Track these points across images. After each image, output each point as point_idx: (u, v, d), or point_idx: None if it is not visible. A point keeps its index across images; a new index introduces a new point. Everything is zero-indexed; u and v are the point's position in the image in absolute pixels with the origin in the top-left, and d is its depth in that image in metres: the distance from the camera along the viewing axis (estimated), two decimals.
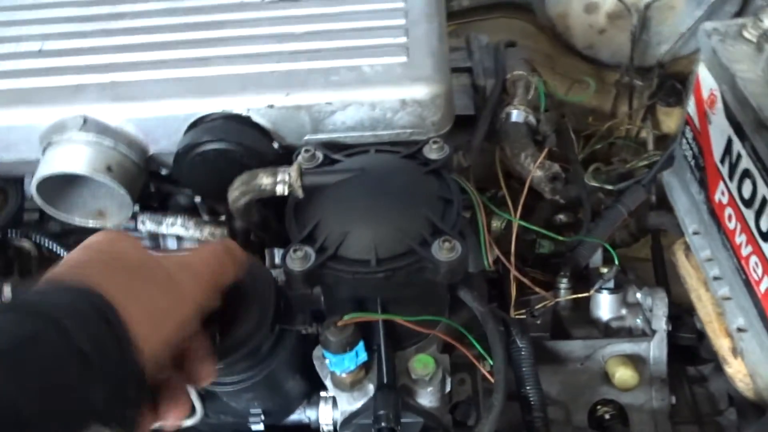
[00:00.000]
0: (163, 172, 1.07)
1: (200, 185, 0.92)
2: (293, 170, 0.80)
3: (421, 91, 0.88)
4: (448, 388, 0.89)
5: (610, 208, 1.29)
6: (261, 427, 1.01)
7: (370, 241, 0.76)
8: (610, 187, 1.27)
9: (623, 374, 1.26)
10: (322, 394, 1.00)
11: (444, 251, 0.74)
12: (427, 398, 0.88)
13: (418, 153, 0.88)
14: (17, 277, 0.94)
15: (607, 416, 1.26)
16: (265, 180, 0.81)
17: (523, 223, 1.01)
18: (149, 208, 1.12)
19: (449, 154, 0.85)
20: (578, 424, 1.28)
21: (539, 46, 1.56)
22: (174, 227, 1.10)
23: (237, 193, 0.83)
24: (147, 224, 1.10)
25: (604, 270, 1.33)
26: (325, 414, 0.99)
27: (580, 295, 1.29)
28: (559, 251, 1.36)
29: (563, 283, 1.30)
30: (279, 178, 0.81)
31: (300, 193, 0.81)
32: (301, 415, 1.03)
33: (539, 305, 1.22)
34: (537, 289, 1.08)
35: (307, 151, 0.87)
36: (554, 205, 1.18)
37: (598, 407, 1.29)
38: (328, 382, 0.92)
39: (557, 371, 1.32)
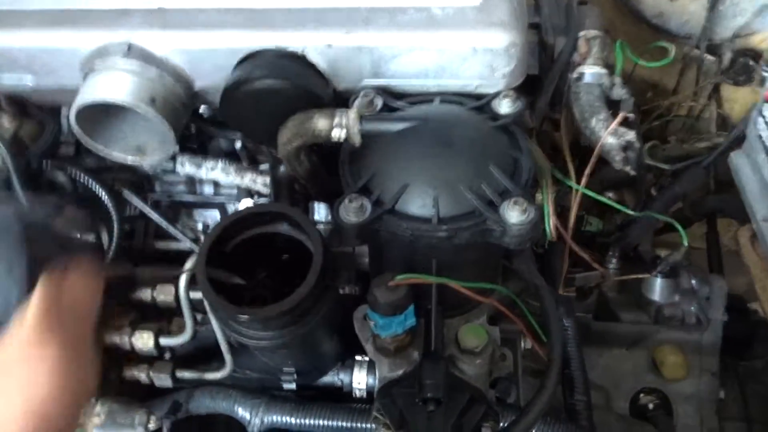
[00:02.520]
0: (203, 111, 1.02)
1: (247, 125, 0.86)
2: (352, 114, 0.74)
3: (495, 39, 0.80)
4: None
5: (665, 188, 1.21)
6: (293, 386, 0.97)
7: (431, 196, 0.69)
8: (666, 167, 1.19)
9: (673, 363, 1.20)
10: (358, 357, 0.96)
11: (515, 213, 0.67)
12: (473, 371, 0.82)
13: (486, 106, 0.80)
14: (52, 201, 0.90)
15: (650, 405, 1.20)
16: (320, 122, 0.74)
17: (590, 193, 0.93)
18: (188, 150, 1.07)
19: (522, 108, 0.78)
20: (618, 411, 1.22)
21: (602, 11, 1.46)
22: (214, 172, 1.04)
23: (289, 134, 0.76)
24: (186, 166, 1.05)
25: (664, 252, 1.26)
26: (359, 378, 0.95)
27: (638, 276, 1.21)
28: (607, 230, 1.29)
29: (612, 264, 1.23)
30: (336, 121, 0.74)
31: (357, 140, 0.74)
32: (333, 377, 0.98)
33: (592, 282, 1.15)
34: (595, 265, 1.01)
35: (365, 96, 0.80)
36: (603, 181, 1.10)
37: (642, 395, 1.23)
38: (368, 346, 0.87)
39: (601, 354, 1.26)
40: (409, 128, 0.73)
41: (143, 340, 0.96)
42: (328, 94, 0.84)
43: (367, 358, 0.94)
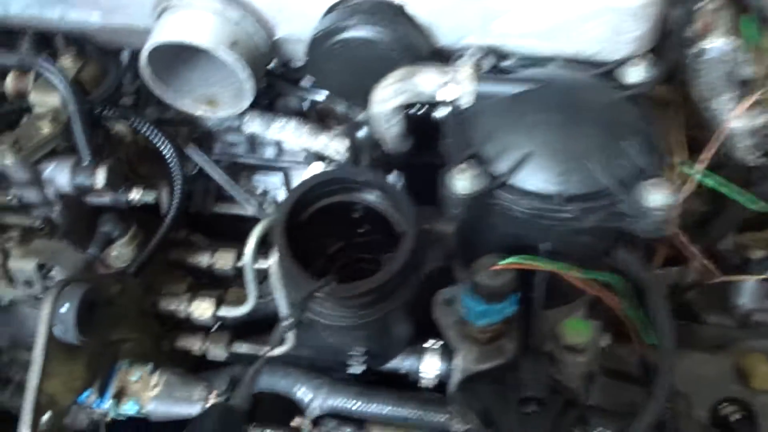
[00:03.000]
0: (272, 66, 0.93)
1: (335, 79, 0.77)
2: (466, 70, 0.64)
3: None
4: None
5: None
6: (360, 369, 0.89)
7: (556, 171, 0.60)
8: None
9: (764, 374, 1.09)
10: (428, 343, 0.87)
11: (658, 196, 0.57)
12: (573, 370, 0.74)
13: (610, 74, 0.70)
14: (113, 159, 0.82)
15: (733, 417, 1.10)
16: (428, 78, 0.65)
17: (711, 182, 0.83)
18: (256, 107, 0.98)
19: (654, 77, 0.67)
20: (698, 419, 1.12)
21: None
22: (284, 132, 0.96)
23: (389, 91, 0.67)
24: (255, 124, 0.97)
25: (757, 254, 1.15)
26: (429, 366, 0.86)
27: (729, 278, 1.11)
28: (686, 223, 1.18)
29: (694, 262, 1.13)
30: (448, 78, 0.65)
31: (469, 101, 0.65)
32: (398, 363, 0.90)
33: (687, 283, 1.05)
34: (706, 263, 0.91)
35: (472, 55, 0.71)
36: None
37: (724, 405, 1.12)
38: (450, 333, 0.79)
39: (682, 357, 1.16)
40: (529, 91, 0.64)
41: (202, 309, 0.89)
42: (428, 50, 0.74)
43: (437, 345, 0.86)
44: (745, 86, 0.85)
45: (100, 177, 0.79)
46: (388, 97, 0.67)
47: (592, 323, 0.75)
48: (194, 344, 0.95)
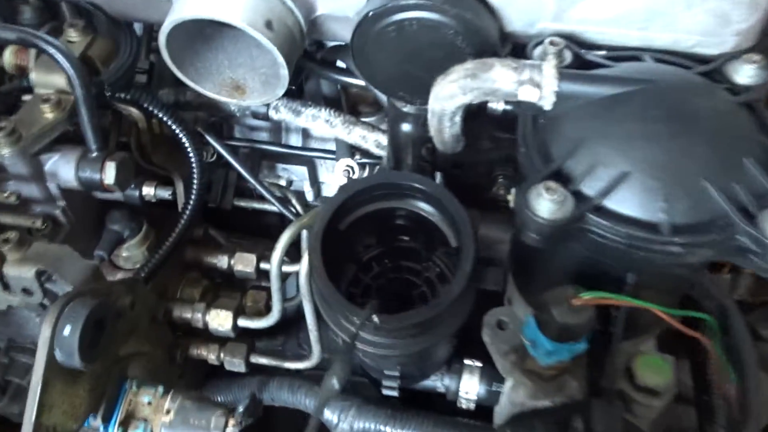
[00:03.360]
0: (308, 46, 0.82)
1: (383, 68, 0.66)
2: (548, 67, 0.53)
3: None
4: None
5: None
6: (395, 393, 0.80)
7: (662, 193, 0.49)
8: None
9: None
10: (467, 362, 0.78)
11: None
12: (647, 413, 0.64)
13: (716, 72, 0.59)
14: (124, 154, 0.72)
15: None
16: (502, 76, 0.54)
17: None
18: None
19: None
20: None
21: None
22: (316, 121, 0.85)
23: (454, 88, 0.56)
24: (281, 111, 0.86)
25: None
26: (469, 387, 0.78)
27: None
28: None
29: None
30: (526, 76, 0.54)
31: (549, 104, 0.54)
32: (436, 382, 0.81)
33: (746, 297, 0.96)
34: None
35: (553, 44, 0.60)
36: None
37: None
38: (503, 362, 0.69)
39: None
40: (625, 93, 0.53)
41: (220, 320, 0.80)
42: (498, 36, 0.63)
43: (478, 363, 0.77)
44: None
45: (110, 172, 0.69)
46: (453, 94, 0.56)
47: (669, 360, 0.65)
48: (210, 353, 0.86)
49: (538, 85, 0.54)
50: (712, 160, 0.51)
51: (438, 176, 0.83)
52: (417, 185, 0.65)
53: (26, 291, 0.66)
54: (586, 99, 0.55)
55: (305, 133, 0.98)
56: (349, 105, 0.94)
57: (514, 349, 0.69)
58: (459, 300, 0.62)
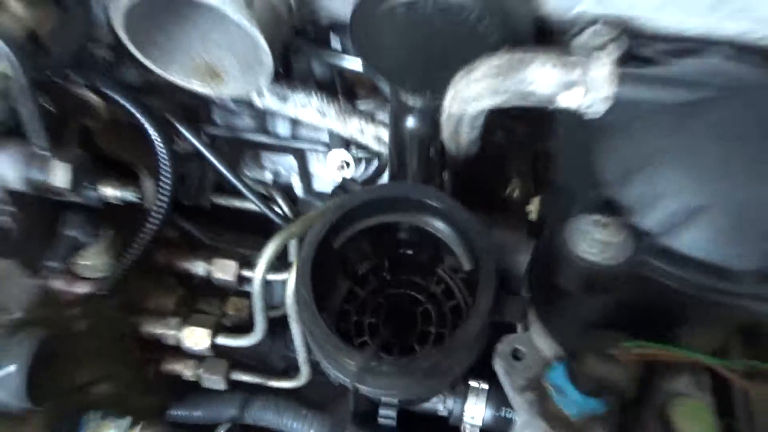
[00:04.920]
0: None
1: (387, 55, 0.56)
2: (605, 66, 0.43)
3: None
4: None
5: None
6: (393, 422, 0.72)
7: (742, 234, 0.40)
8: None
9: None
10: (473, 383, 0.70)
11: None
12: None
13: None
14: (78, 152, 0.60)
15: None
16: (544, 74, 0.43)
17: None
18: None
19: None
20: None
21: None
22: (305, 109, 0.74)
23: (481, 87, 0.45)
24: (266, 97, 0.74)
25: None
26: (474, 411, 0.70)
27: None
28: None
29: None
30: (574, 76, 0.43)
31: (601, 110, 0.44)
32: (437, 404, 0.73)
33: None
34: None
35: (598, 33, 0.49)
36: None
37: None
38: (518, 399, 0.61)
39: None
40: (699, 102, 0.42)
41: (195, 339, 0.70)
42: (529, 23, 0.52)
43: (484, 386, 0.69)
44: None
45: (60, 173, 0.58)
46: (479, 96, 0.45)
47: (709, 404, 0.56)
48: (186, 369, 0.76)
49: (590, 88, 0.43)
50: None
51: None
52: (427, 201, 0.54)
53: None
54: (648, 107, 0.44)
55: (293, 120, 0.86)
56: (345, 87, 0.82)
57: (531, 386, 0.60)
58: (473, 339, 0.53)
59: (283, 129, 0.87)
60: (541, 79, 0.44)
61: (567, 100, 0.44)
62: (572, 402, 0.51)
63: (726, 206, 0.40)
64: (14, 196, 0.62)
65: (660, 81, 0.44)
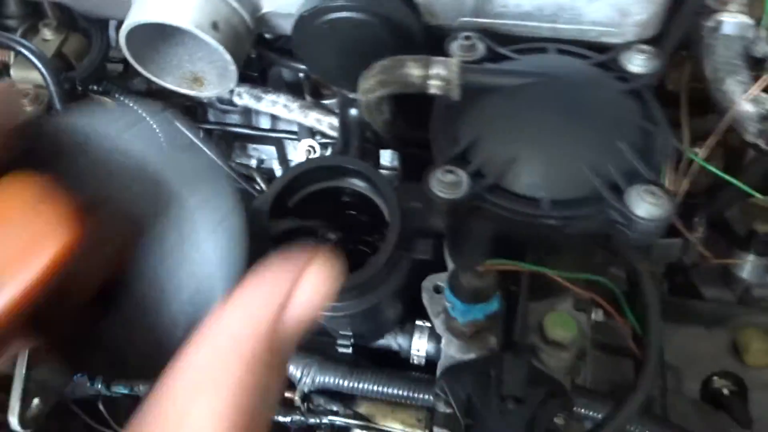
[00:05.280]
0: (268, 35, 0.90)
1: (321, 62, 0.74)
2: (453, 63, 0.61)
3: None
4: None
5: None
6: (349, 350, 0.90)
7: (543, 174, 0.57)
8: None
9: (757, 350, 1.09)
10: (418, 322, 0.88)
11: (645, 204, 0.55)
12: (556, 363, 0.73)
13: (612, 61, 0.66)
14: None
15: (725, 390, 1.10)
16: (414, 71, 0.62)
17: (712, 169, 0.80)
18: (247, 78, 0.95)
19: (659, 68, 0.64)
20: (688, 394, 1.13)
21: None
22: (275, 107, 0.93)
23: (374, 81, 0.64)
24: (244, 98, 0.94)
25: (762, 228, 1.13)
26: (419, 345, 0.87)
27: (732, 261, 1.09)
28: (693, 192, 1.16)
29: (699, 232, 1.10)
30: (433, 71, 0.61)
31: (456, 95, 0.62)
32: (390, 341, 0.91)
33: (686, 262, 1.04)
34: (702, 250, 0.89)
35: (466, 38, 0.67)
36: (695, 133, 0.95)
37: (715, 378, 1.13)
38: (437, 321, 0.78)
39: (677, 331, 1.15)
40: (522, 86, 0.60)
41: None
42: (420, 31, 0.70)
43: (427, 324, 0.87)
44: (759, 66, 0.81)
45: None
46: (373, 88, 0.64)
47: (577, 318, 0.74)
48: None
49: (445, 79, 0.61)
50: (592, 145, 0.58)
51: (389, 154, 0.91)
52: (351, 167, 0.72)
53: None
54: (489, 91, 0.62)
55: (273, 116, 1.06)
56: (311, 88, 1.01)
57: (444, 311, 0.78)
58: (391, 266, 0.70)
59: (265, 124, 1.06)
60: (414, 73, 0.62)
61: (432, 88, 0.62)
62: (459, 311, 0.69)
63: (533, 156, 0.58)
64: None
65: (498, 72, 0.63)
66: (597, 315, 0.96)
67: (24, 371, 0.66)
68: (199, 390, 0.27)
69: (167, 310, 0.32)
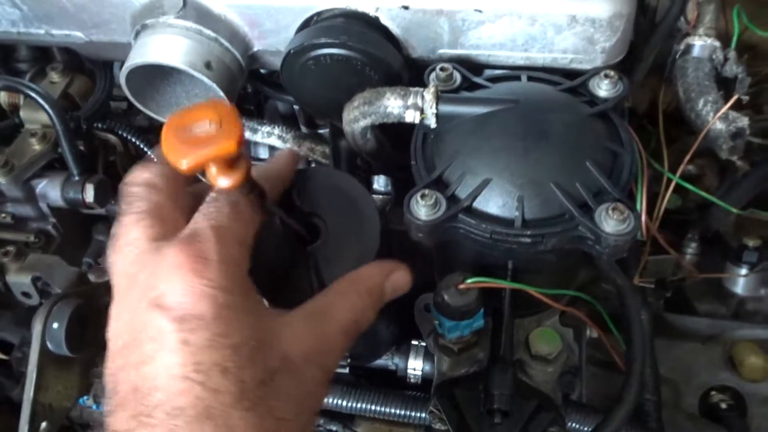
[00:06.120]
0: (263, 70, 0.95)
1: (309, 96, 0.78)
2: (428, 93, 0.65)
3: (600, 8, 0.68)
4: None
5: (756, 165, 1.08)
6: (345, 370, 0.93)
7: (516, 195, 0.61)
8: (758, 141, 1.05)
9: (754, 363, 1.10)
10: (414, 342, 0.90)
11: (612, 221, 0.58)
12: (543, 377, 0.76)
13: (581, 87, 0.70)
14: (101, 176, 0.85)
15: (723, 405, 1.12)
16: (392, 102, 0.66)
17: (687, 185, 0.83)
18: (245, 112, 1.00)
19: (624, 92, 0.67)
20: (687, 409, 1.14)
21: None
22: (270, 138, 0.97)
23: (356, 113, 0.68)
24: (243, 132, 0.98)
25: (750, 242, 1.15)
26: (414, 364, 0.90)
27: (718, 275, 1.11)
28: (686, 208, 1.18)
29: (691, 248, 1.13)
30: (410, 101, 0.65)
31: (433, 123, 0.66)
32: (387, 361, 0.94)
33: (675, 276, 1.06)
34: (687, 266, 0.92)
35: (443, 69, 0.71)
36: (683, 152, 0.98)
37: (713, 393, 1.14)
38: (429, 340, 0.81)
39: (672, 346, 1.17)
40: (494, 112, 0.64)
41: None
42: (400, 63, 0.75)
43: (423, 343, 0.89)
44: (730, 85, 0.84)
45: (89, 192, 0.82)
46: (355, 119, 0.68)
47: (562, 332, 0.76)
48: None
49: (420, 108, 0.65)
50: (560, 166, 0.62)
51: (383, 179, 0.95)
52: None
53: (25, 294, 0.80)
54: (464, 118, 0.66)
55: (271, 147, 1.10)
56: (306, 119, 1.05)
57: (433, 329, 0.80)
58: None
59: (263, 153, 1.11)
60: (392, 104, 0.66)
61: (410, 117, 0.66)
62: (446, 328, 0.71)
63: (505, 178, 0.61)
64: (56, 211, 0.87)
65: (470, 100, 0.66)
66: (592, 332, 0.98)
67: (32, 395, 0.70)
68: (342, 294, 0.56)
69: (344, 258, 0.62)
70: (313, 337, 0.50)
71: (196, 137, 0.45)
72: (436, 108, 0.65)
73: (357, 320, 0.54)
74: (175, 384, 0.40)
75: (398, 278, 0.59)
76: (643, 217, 0.75)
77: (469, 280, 0.66)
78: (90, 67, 0.96)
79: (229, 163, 0.49)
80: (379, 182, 1.01)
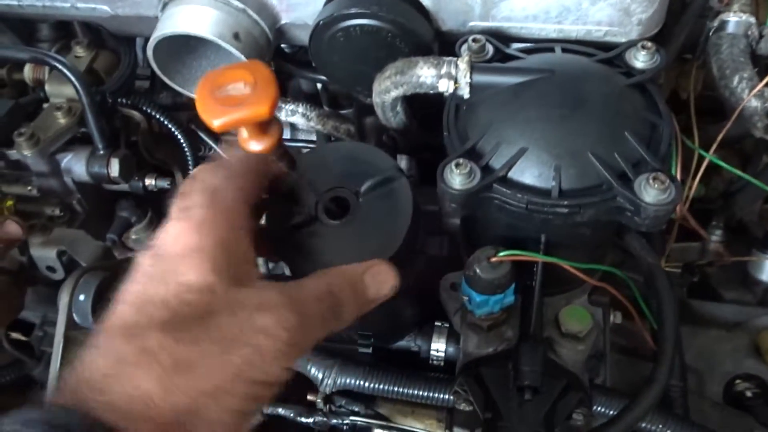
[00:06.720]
0: (287, 49, 0.94)
1: (338, 68, 0.77)
2: (462, 62, 0.64)
3: None
4: None
5: None
6: (369, 350, 0.92)
7: (552, 165, 0.59)
8: None
9: None
10: (437, 323, 0.89)
11: (653, 191, 0.57)
12: (573, 356, 0.74)
13: (617, 58, 0.68)
14: (126, 151, 0.85)
15: (748, 393, 1.10)
16: (425, 71, 0.65)
17: (722, 164, 0.81)
18: None
19: (661, 63, 0.66)
20: (711, 396, 1.12)
21: None
22: (294, 116, 0.97)
23: (388, 83, 0.67)
24: None
25: None
26: (438, 346, 0.89)
27: (747, 258, 1.09)
28: (709, 196, 1.16)
29: (716, 235, 1.11)
30: (444, 70, 0.64)
31: (467, 93, 0.64)
32: (410, 342, 0.92)
33: (702, 261, 1.04)
34: (719, 248, 0.90)
35: (475, 41, 0.70)
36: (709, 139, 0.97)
37: (738, 381, 1.12)
38: (455, 319, 0.80)
39: (697, 334, 1.15)
40: (529, 82, 0.63)
41: None
42: (431, 36, 0.74)
43: (446, 324, 0.88)
44: (762, 63, 0.83)
45: (114, 167, 0.82)
46: (387, 89, 0.67)
47: (591, 311, 0.75)
48: None
49: (454, 78, 0.64)
50: (598, 136, 0.60)
51: (405, 161, 0.94)
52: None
53: (50, 269, 0.80)
54: (498, 88, 0.65)
55: (293, 126, 1.10)
56: (329, 99, 1.05)
57: (462, 307, 0.79)
58: (402, 261, 0.72)
59: (285, 133, 1.10)
60: (425, 73, 0.65)
61: (443, 87, 0.65)
62: (475, 304, 0.70)
63: (542, 147, 0.60)
64: (81, 186, 0.86)
65: (505, 70, 0.65)
66: (616, 317, 0.97)
67: (58, 368, 0.70)
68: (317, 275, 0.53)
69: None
70: (285, 298, 0.48)
71: (231, 97, 0.45)
72: (470, 77, 0.63)
73: (332, 292, 0.52)
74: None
75: (379, 270, 0.57)
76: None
77: (501, 253, 0.65)
78: (113, 43, 0.96)
79: (261, 128, 0.48)
80: (402, 164, 1.00)
